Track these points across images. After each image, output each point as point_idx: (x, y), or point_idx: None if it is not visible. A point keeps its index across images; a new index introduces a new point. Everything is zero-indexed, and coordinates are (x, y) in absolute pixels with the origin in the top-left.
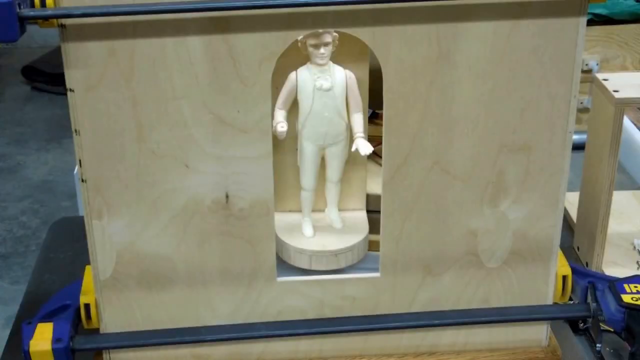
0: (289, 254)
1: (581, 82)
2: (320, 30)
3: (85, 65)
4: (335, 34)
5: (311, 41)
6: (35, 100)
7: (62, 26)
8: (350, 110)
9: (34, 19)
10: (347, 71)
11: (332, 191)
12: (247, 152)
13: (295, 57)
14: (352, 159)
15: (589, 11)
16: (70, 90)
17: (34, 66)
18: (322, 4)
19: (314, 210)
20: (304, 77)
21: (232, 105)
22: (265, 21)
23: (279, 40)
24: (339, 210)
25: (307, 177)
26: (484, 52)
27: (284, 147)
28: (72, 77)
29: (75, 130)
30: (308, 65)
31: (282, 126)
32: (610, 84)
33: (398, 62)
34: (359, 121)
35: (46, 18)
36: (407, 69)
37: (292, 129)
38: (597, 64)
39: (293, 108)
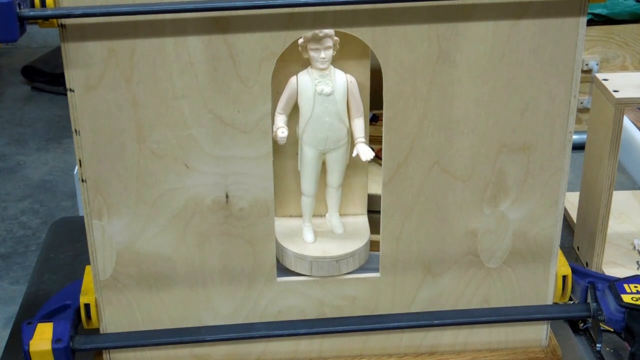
0: (289, 260)
1: (581, 82)
2: (321, 34)
3: (85, 65)
4: (336, 38)
5: (312, 45)
6: (35, 100)
7: (62, 26)
8: (351, 115)
9: (34, 19)
10: (349, 76)
11: (333, 196)
12: (247, 152)
13: (296, 58)
14: (353, 163)
15: (589, 11)
16: (70, 90)
17: (34, 66)
18: (322, 4)
19: (314, 216)
20: (305, 82)
21: (232, 105)
22: (265, 21)
23: (279, 40)
24: (340, 215)
25: (308, 183)
26: (484, 52)
27: (284, 152)
28: (72, 77)
29: (75, 130)
30: (309, 69)
31: (282, 131)
32: (610, 84)
33: (398, 62)
34: (360, 126)
35: (46, 18)
36: (407, 69)
37: (293, 134)
38: (597, 64)
39: (293, 113)
